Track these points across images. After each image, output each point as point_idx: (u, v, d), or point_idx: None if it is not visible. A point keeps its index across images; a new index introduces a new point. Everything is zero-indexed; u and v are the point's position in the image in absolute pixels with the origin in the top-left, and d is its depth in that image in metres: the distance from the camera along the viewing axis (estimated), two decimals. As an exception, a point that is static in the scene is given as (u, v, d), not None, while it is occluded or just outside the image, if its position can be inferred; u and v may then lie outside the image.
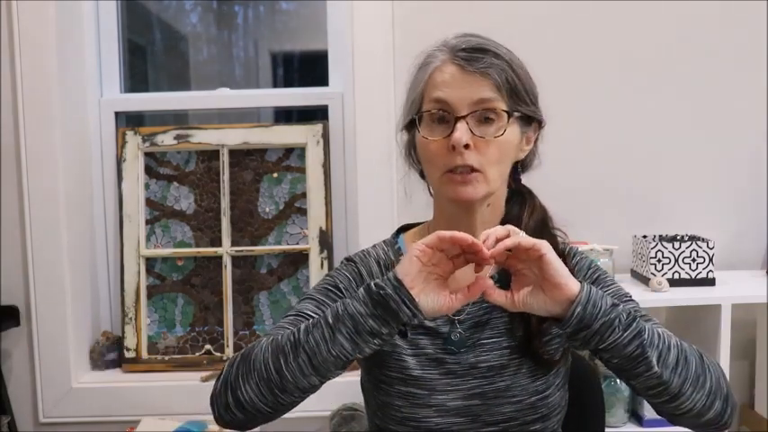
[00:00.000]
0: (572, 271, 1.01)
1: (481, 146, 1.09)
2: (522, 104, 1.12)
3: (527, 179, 1.24)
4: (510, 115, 1.10)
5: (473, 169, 1.09)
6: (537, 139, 1.19)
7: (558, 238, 1.18)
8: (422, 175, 1.22)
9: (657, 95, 2.12)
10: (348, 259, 1.22)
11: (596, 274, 1.19)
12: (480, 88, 1.09)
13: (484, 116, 1.09)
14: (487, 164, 1.09)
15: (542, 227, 1.17)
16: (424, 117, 1.12)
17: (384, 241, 1.25)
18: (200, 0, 2.65)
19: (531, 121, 1.15)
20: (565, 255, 1.17)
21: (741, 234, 2.14)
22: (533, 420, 1.14)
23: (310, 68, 2.57)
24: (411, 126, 1.17)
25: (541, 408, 1.14)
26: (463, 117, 1.08)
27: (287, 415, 1.05)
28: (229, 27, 2.73)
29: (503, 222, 1.18)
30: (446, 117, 1.10)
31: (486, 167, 1.09)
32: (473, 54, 1.09)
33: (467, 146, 1.07)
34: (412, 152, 1.20)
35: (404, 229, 1.27)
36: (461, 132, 1.07)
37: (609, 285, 1.18)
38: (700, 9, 2.09)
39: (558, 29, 2.09)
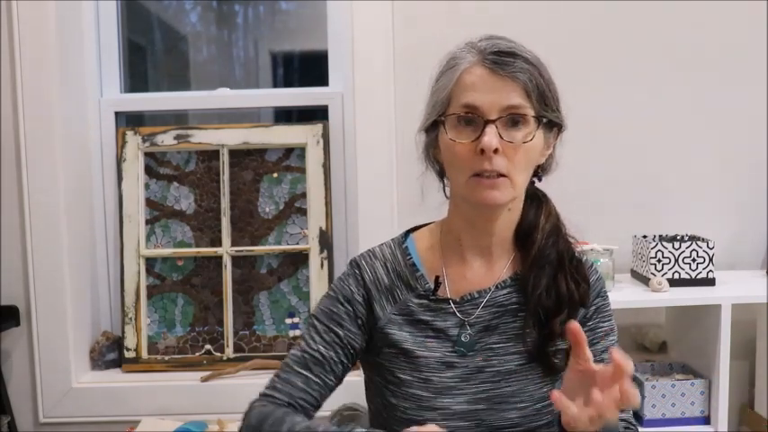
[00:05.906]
0: (587, 283, 1.09)
1: (509, 151, 1.07)
2: (549, 110, 1.11)
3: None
4: (539, 122, 1.09)
5: (500, 174, 1.07)
6: (556, 144, 1.18)
7: (573, 245, 1.18)
8: (440, 176, 1.21)
9: (658, 96, 2.12)
10: (353, 263, 1.21)
11: (602, 303, 1.20)
12: (510, 94, 1.07)
13: (512, 121, 1.08)
14: (514, 169, 1.08)
15: (557, 232, 1.17)
16: (451, 119, 1.10)
17: (392, 240, 1.23)
18: (200, 0, 2.65)
19: (553, 125, 1.14)
20: (582, 263, 1.18)
21: (741, 234, 2.14)
22: (538, 427, 1.13)
23: (310, 68, 2.57)
24: (433, 127, 1.15)
25: (547, 414, 1.14)
26: (492, 121, 1.07)
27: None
28: (229, 27, 2.73)
29: (520, 226, 1.18)
30: (474, 120, 1.08)
31: (512, 173, 1.08)
32: (503, 58, 1.08)
33: (495, 150, 1.06)
34: (430, 153, 1.19)
35: (413, 229, 1.26)
36: (491, 136, 1.05)
37: (606, 320, 1.20)
38: (700, 10, 2.09)
39: (561, 31, 2.08)
